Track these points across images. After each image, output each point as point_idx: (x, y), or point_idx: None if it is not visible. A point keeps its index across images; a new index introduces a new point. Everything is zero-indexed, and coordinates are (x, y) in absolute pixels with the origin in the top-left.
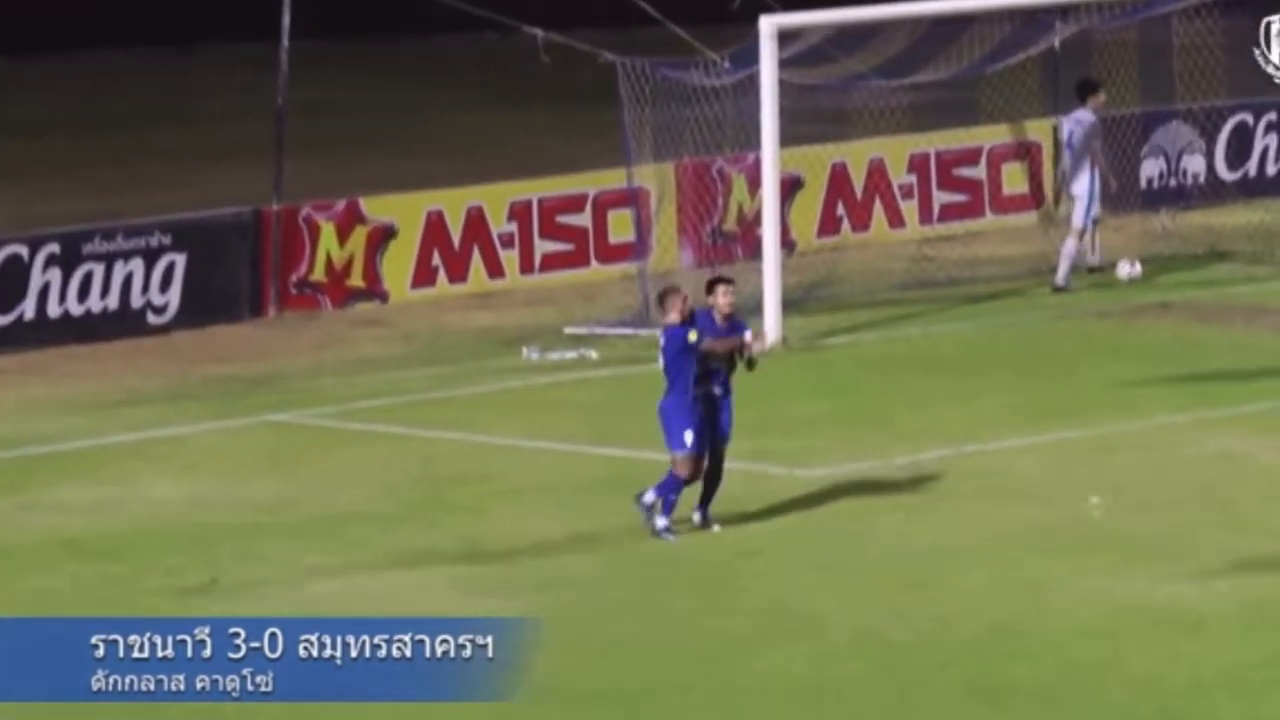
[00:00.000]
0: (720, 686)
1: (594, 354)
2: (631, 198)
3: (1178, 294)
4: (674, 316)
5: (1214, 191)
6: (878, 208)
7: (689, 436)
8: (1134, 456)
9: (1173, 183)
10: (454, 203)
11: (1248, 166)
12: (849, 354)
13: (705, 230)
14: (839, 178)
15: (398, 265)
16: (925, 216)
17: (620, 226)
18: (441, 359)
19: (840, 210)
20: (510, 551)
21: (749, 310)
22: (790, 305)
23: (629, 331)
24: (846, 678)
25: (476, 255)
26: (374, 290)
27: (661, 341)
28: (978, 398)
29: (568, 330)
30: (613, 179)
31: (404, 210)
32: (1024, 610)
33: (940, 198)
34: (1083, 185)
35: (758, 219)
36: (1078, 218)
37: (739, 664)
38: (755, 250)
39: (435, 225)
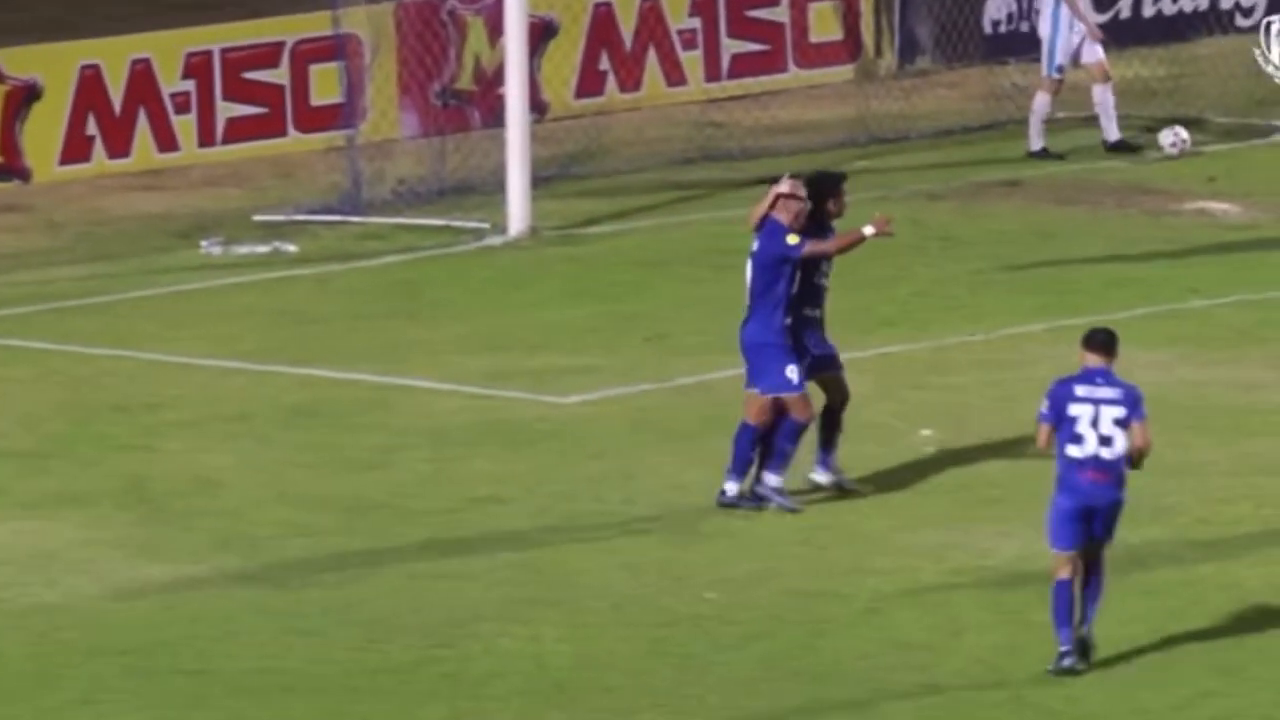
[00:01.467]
0: (460, 663)
1: (292, 247)
2: (339, 48)
3: (1031, 169)
4: (783, 216)
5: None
6: (651, 60)
7: (793, 372)
8: (975, 377)
9: (1024, 27)
10: (113, 55)
11: (1119, 5)
12: (615, 247)
13: (433, 89)
14: (603, 22)
15: (42, 135)
16: (712, 72)
17: (324, 85)
18: (98, 254)
19: (604, 64)
20: (185, 501)
21: (489, 190)
22: (541, 185)
23: (336, 219)
24: (610, 657)
25: (143, 122)
26: (12, 167)
27: (753, 245)
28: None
29: (258, 218)
30: (314, 25)
31: (50, 64)
32: (835, 571)
33: (731, 47)
34: (1045, 23)
35: (500, 75)
36: (1043, 66)
37: (481, 640)
38: (497, 115)
39: (90, 84)
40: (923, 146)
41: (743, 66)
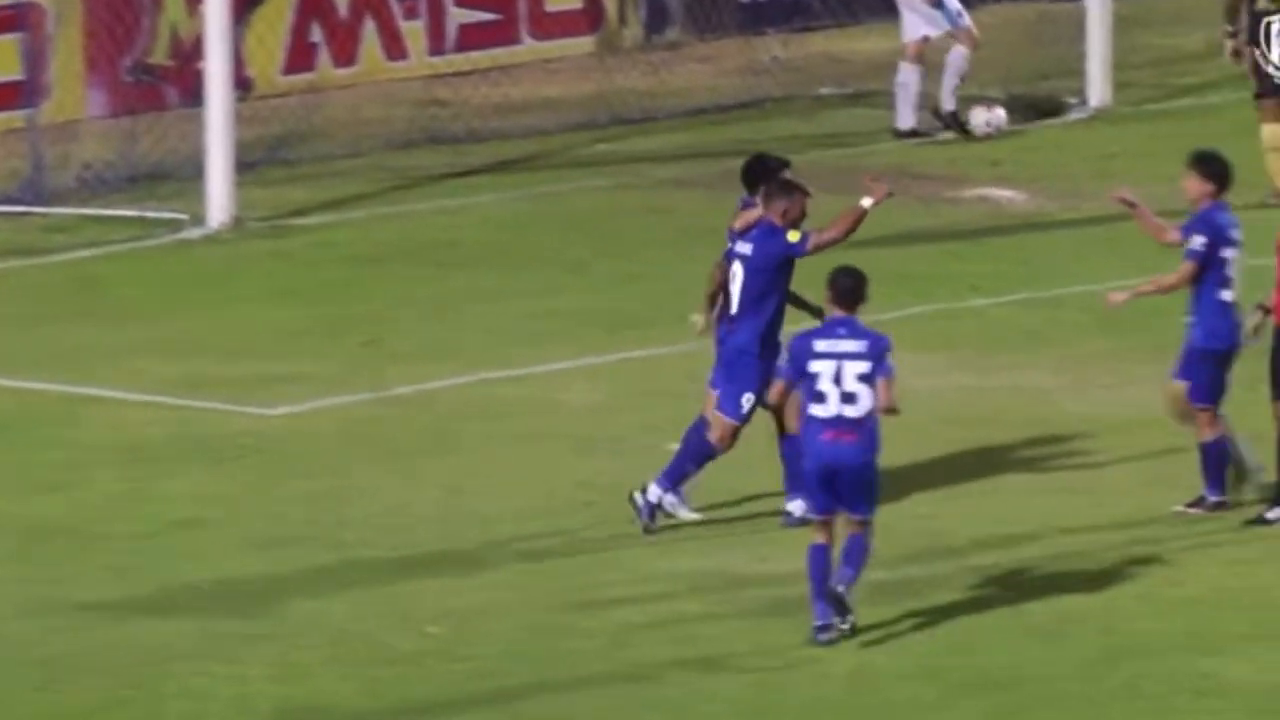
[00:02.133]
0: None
1: None
2: (19, 19)
3: (794, 152)
4: (778, 218)
5: (843, 7)
6: (369, 31)
7: (747, 401)
8: None
9: None
10: None
11: None
12: (327, 240)
13: (124, 64)
14: None
15: None
16: (436, 44)
17: (2, 60)
18: None
19: (316, 35)
20: None
21: (186, 176)
22: (246, 170)
23: (15, 209)
24: (322, 699)
25: None
26: None
27: (746, 249)
28: (510, 301)
29: None
30: None
31: None
32: (578, 601)
33: (457, 17)
34: None
35: (199, 48)
36: (939, 21)
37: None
38: (195, 93)
39: None
40: (672, 127)
41: (471, 38)
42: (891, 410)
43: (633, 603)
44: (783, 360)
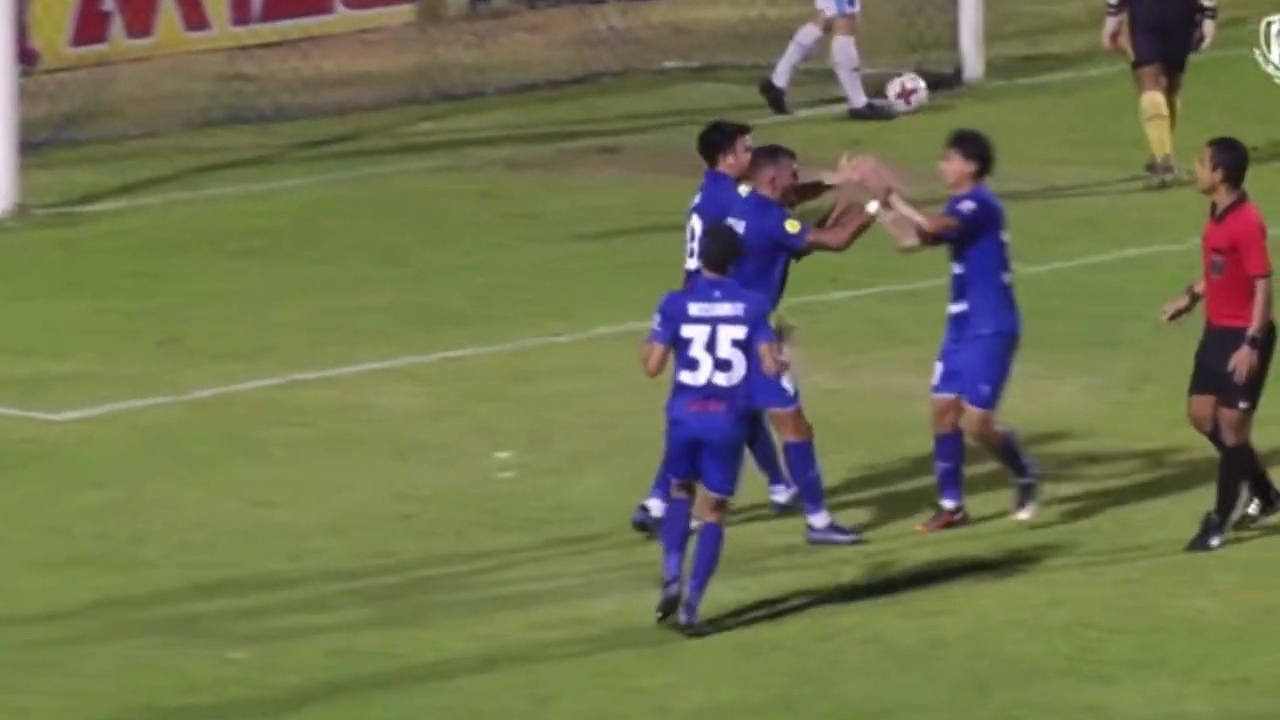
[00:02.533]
0: None
1: None
2: None
3: (633, 130)
4: (766, 188)
5: None
6: (166, 0)
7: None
8: (562, 386)
9: None
10: None
11: None
12: (120, 228)
13: None
14: None
15: None
16: (240, 13)
17: None
18: None
19: (108, 3)
20: None
21: None
22: (30, 151)
23: None
24: None
25: None
26: None
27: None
28: (321, 295)
29: None
30: None
31: None
32: (397, 626)
33: None
34: None
35: None
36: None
37: None
38: None
39: None
40: (501, 104)
41: (279, 7)
42: (782, 367)
43: (455, 630)
44: (655, 323)
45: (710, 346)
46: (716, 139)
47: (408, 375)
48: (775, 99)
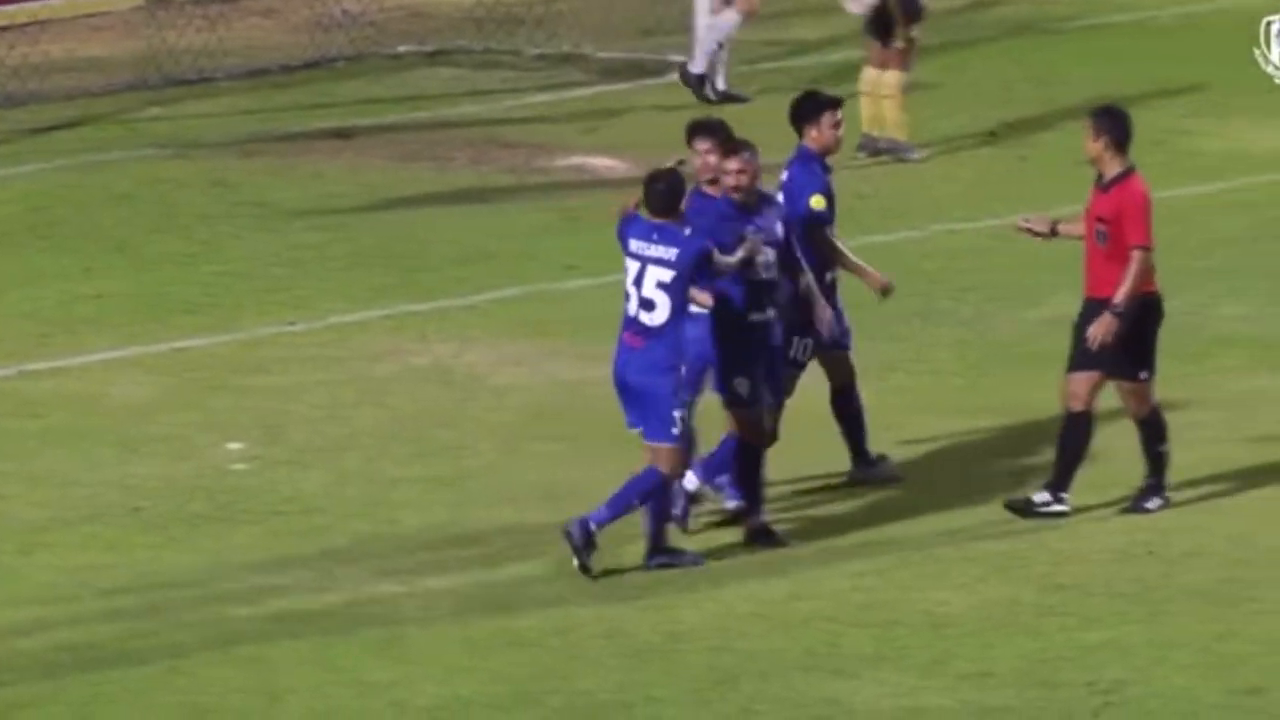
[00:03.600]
0: None
1: None
2: None
3: (366, 115)
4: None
5: None
6: None
7: (743, 386)
8: (296, 377)
9: None
10: None
11: None
12: None
13: None
14: None
15: None
16: None
17: None
18: None
19: None
20: None
21: None
22: None
23: None
24: None
25: None
26: None
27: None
28: (48, 283)
29: None
30: None
31: None
32: (131, 619)
33: None
34: None
35: None
36: None
37: None
38: None
39: None
40: (233, 90)
41: None
42: (705, 304)
43: (183, 624)
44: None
45: (638, 283)
46: (803, 110)
47: (138, 365)
48: (696, 87)
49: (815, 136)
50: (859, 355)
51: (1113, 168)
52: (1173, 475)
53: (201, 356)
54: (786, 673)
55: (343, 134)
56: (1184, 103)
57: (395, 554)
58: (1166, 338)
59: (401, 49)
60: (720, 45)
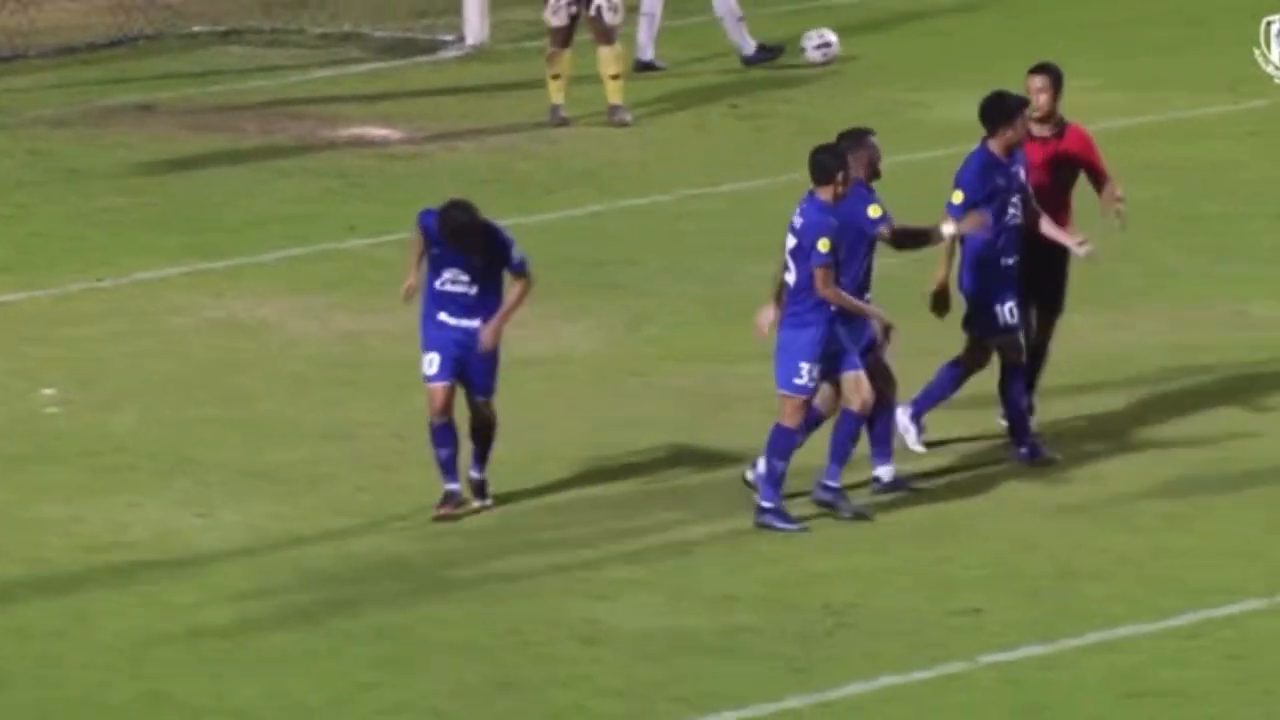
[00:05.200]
0: None
1: None
2: None
3: (166, 89)
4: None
5: None
6: None
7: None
8: (103, 328)
9: None
10: None
11: None
12: None
13: None
14: None
15: None
16: None
17: None
18: None
19: None
20: None
21: None
22: None
23: None
24: None
25: None
26: None
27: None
28: None
29: None
30: None
31: None
32: None
33: None
34: None
35: None
36: None
37: None
38: None
39: None
40: (43, 67)
41: None
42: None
43: (5, 554)
44: None
45: (785, 242)
46: (993, 111)
47: None
48: (645, 68)
49: (1009, 137)
50: (614, 314)
51: (1057, 116)
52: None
53: (17, 311)
54: (551, 596)
55: (144, 106)
56: (904, 74)
57: (196, 489)
58: (891, 292)
59: (197, 29)
60: (741, 17)
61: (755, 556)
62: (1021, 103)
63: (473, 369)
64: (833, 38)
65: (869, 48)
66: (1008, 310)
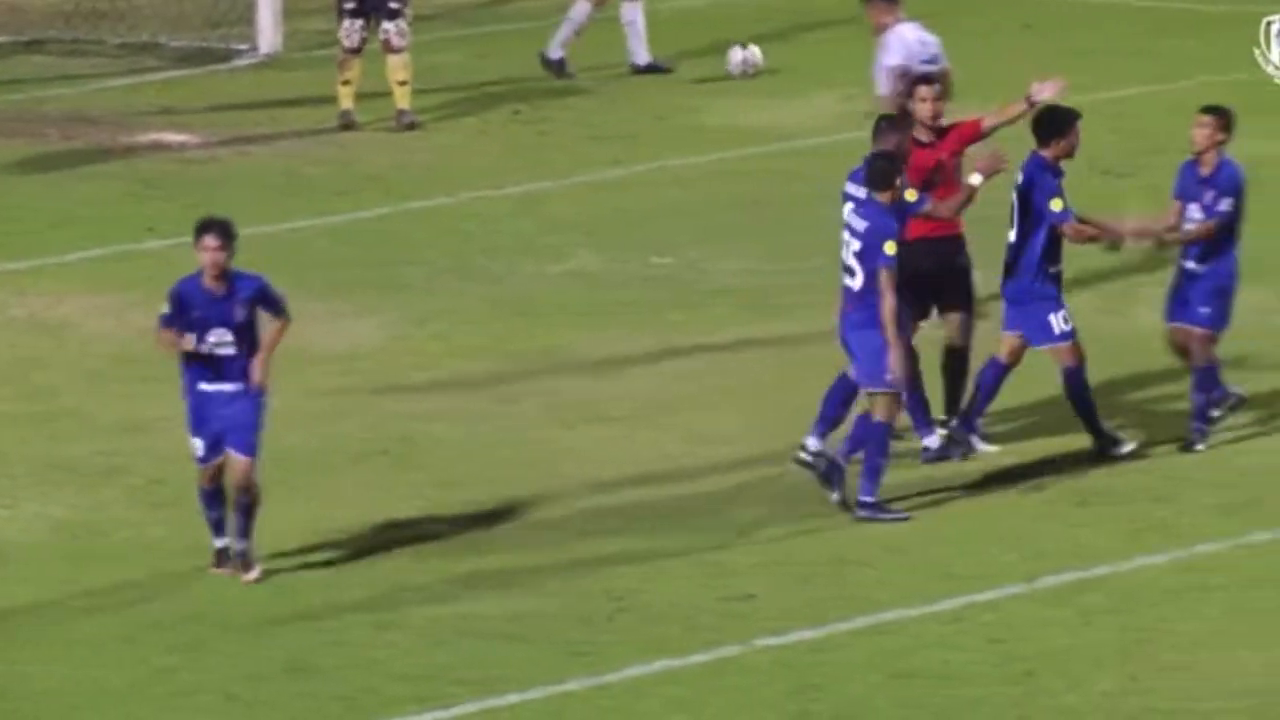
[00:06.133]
0: None
1: None
2: None
3: None
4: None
5: None
6: None
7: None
8: None
9: None
10: None
11: None
12: None
13: None
14: None
15: None
16: None
17: None
18: None
19: None
20: None
21: None
22: None
23: None
24: None
25: None
26: None
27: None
28: None
29: None
30: None
31: None
32: None
33: None
34: None
35: None
36: None
37: None
38: None
39: None
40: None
41: None
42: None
43: None
44: None
45: (846, 247)
46: (1047, 122)
47: None
48: (556, 69)
49: (1062, 146)
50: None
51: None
52: (669, 411)
53: None
54: (343, 582)
55: None
56: (687, 82)
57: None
58: (669, 289)
59: (1, 39)
60: (577, 34)
61: (540, 544)
62: (1074, 115)
63: (236, 429)
64: (756, 55)
65: (655, 53)
66: (1060, 318)
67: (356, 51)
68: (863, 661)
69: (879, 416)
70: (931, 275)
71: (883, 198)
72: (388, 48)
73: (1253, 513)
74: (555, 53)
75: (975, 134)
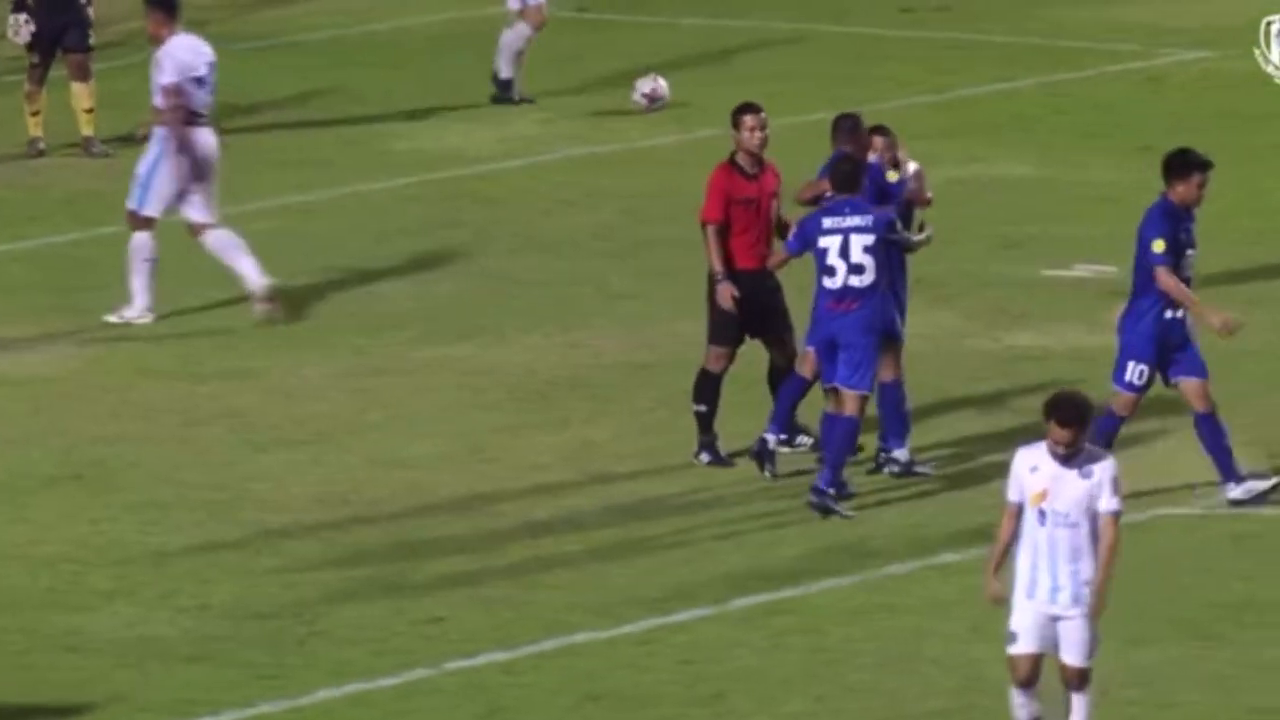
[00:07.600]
0: None
1: None
2: None
3: None
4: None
5: None
6: None
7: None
8: None
9: None
10: None
11: None
12: None
13: None
14: None
15: None
16: None
17: None
18: None
19: None
20: None
21: None
22: None
23: None
24: None
25: None
26: None
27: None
28: None
29: None
30: None
31: None
32: None
33: None
34: None
35: None
36: None
37: None
38: None
39: None
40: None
41: None
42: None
43: None
44: (791, 235)
45: (844, 253)
46: (1176, 165)
47: None
48: (504, 90)
49: (1180, 192)
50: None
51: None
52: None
53: None
54: (31, 608)
55: None
56: (376, 107)
57: None
58: (338, 312)
59: None
60: (517, 56)
61: (228, 567)
62: (1204, 163)
63: None
64: (663, 88)
65: (345, 80)
66: (1138, 372)
67: (40, 74)
68: (554, 684)
69: (850, 412)
70: (748, 303)
71: (860, 196)
72: (75, 72)
73: (941, 535)
74: (505, 72)
75: (779, 186)
